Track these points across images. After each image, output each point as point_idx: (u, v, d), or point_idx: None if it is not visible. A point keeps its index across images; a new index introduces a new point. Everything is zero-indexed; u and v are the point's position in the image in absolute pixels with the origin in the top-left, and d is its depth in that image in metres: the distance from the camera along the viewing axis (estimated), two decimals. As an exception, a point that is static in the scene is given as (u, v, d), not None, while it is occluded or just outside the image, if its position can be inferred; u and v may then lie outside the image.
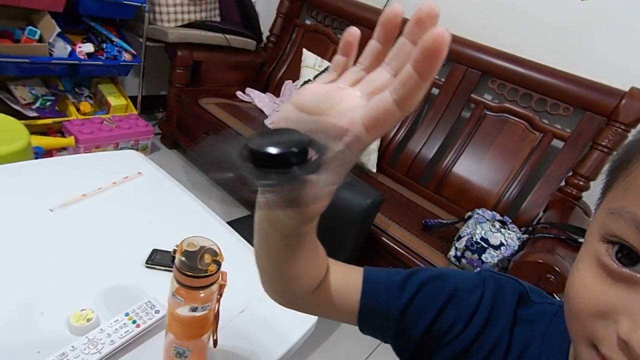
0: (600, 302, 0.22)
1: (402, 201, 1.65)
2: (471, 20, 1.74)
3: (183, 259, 0.46)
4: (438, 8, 0.21)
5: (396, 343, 0.37)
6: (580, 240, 1.16)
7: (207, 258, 0.47)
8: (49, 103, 1.87)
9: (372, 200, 1.14)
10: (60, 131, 1.84)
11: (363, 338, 0.41)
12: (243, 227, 0.88)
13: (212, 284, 0.48)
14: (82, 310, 0.57)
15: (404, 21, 0.22)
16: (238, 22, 2.28)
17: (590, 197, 1.52)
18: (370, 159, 1.73)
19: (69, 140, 1.71)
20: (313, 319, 0.71)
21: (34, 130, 1.70)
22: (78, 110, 1.93)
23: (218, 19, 2.23)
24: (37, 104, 1.82)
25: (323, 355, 1.35)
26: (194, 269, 0.45)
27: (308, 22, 2.23)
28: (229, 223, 0.89)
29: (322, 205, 0.25)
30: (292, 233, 0.29)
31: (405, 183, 1.78)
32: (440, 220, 1.40)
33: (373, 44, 0.24)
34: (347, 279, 0.37)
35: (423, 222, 1.42)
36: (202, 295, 0.47)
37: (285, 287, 0.36)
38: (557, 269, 1.00)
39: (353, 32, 0.25)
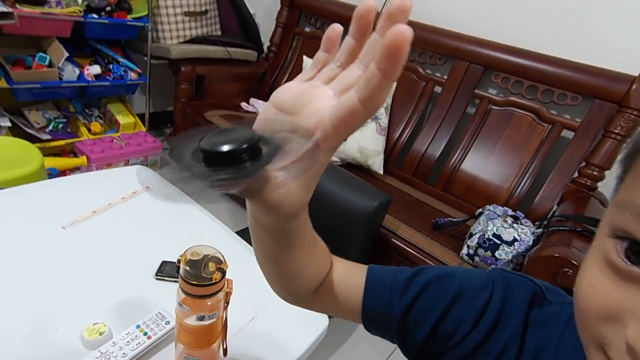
0: (607, 303, 0.21)
1: (410, 201, 1.64)
2: (470, 14, 1.73)
3: (187, 268, 0.46)
4: (410, 2, 0.20)
5: (402, 344, 0.36)
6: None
7: (212, 266, 0.47)
8: (61, 125, 1.92)
9: (379, 202, 1.13)
10: (73, 151, 1.89)
11: (379, 342, 0.40)
12: (249, 236, 0.89)
13: (217, 292, 0.48)
14: (95, 324, 0.58)
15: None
16: (238, 35, 2.32)
17: (607, 186, 1.49)
18: (376, 161, 1.72)
19: (82, 160, 1.76)
20: (323, 325, 0.71)
21: (48, 152, 1.75)
22: (89, 130, 1.98)
23: (219, 32, 2.27)
24: (50, 127, 1.88)
25: (339, 359, 1.34)
26: (199, 278, 0.46)
27: (307, 29, 2.26)
28: (238, 233, 0.90)
29: (295, 202, 0.25)
30: (278, 231, 0.28)
31: (413, 183, 1.77)
32: (450, 219, 1.38)
33: (348, 40, 0.24)
34: (350, 277, 0.36)
35: (433, 221, 1.40)
36: (208, 303, 0.48)
37: (286, 285, 0.35)
38: (574, 262, 0.97)
39: (335, 29, 0.25)
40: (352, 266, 0.37)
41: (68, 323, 0.59)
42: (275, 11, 2.31)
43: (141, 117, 2.17)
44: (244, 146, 0.19)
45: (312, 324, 0.70)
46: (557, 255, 0.98)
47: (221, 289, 0.48)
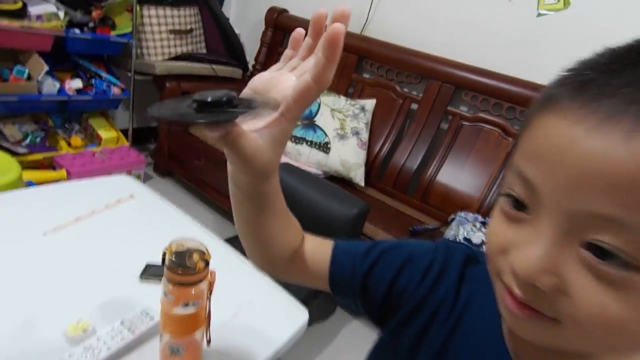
0: (501, 241, 0.27)
1: (390, 212, 1.69)
2: (443, 38, 1.86)
3: (173, 258, 0.49)
4: (349, 10, 0.27)
5: (365, 306, 0.41)
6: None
7: (196, 257, 0.50)
8: (38, 139, 1.91)
9: (358, 210, 1.18)
10: (51, 166, 1.87)
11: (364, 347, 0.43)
12: (236, 243, 0.91)
13: (201, 281, 0.51)
14: (78, 321, 0.60)
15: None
16: (223, 53, 2.38)
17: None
18: (358, 174, 1.78)
19: (61, 174, 1.74)
20: (303, 319, 0.73)
21: (25, 166, 1.73)
22: (69, 144, 1.97)
23: (204, 50, 2.33)
24: (27, 141, 1.86)
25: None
26: (184, 267, 0.49)
27: (290, 49, 2.34)
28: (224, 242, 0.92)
29: (265, 159, 0.31)
30: (253, 193, 0.34)
31: (393, 194, 1.83)
32: (425, 226, 1.44)
33: (307, 40, 0.31)
34: (320, 249, 0.42)
35: (410, 228, 1.46)
36: (192, 292, 0.50)
37: (263, 252, 0.40)
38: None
39: (299, 31, 0.32)
40: (321, 241, 0.43)
41: (51, 322, 0.60)
42: (260, 31, 2.39)
43: (124, 132, 2.17)
44: (224, 99, 0.26)
45: (292, 319, 0.72)
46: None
47: (205, 278, 0.51)
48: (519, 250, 0.25)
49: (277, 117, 0.29)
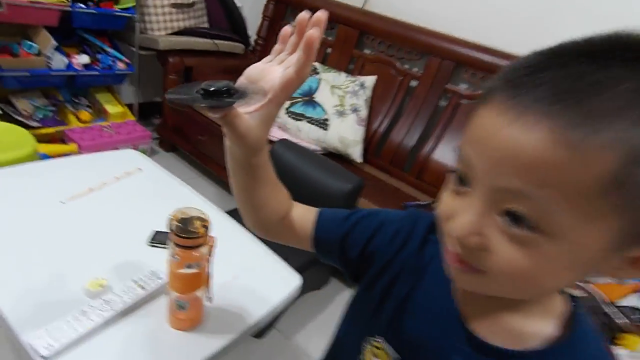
0: (446, 210, 0.33)
1: (386, 188, 1.75)
2: (445, 14, 1.85)
3: (178, 224, 0.56)
4: (326, 15, 0.33)
5: (343, 265, 0.48)
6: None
7: (197, 223, 0.57)
8: (49, 113, 1.97)
9: (352, 185, 1.24)
10: (62, 139, 1.94)
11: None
12: (236, 215, 0.98)
13: (202, 245, 0.58)
14: (96, 278, 0.68)
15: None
16: (226, 28, 2.39)
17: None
18: (356, 150, 1.83)
19: (72, 147, 1.82)
20: (296, 282, 0.81)
21: (38, 139, 1.80)
22: (78, 119, 2.04)
23: (206, 25, 2.34)
24: (39, 115, 1.93)
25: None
26: (187, 232, 0.56)
27: (293, 23, 2.34)
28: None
29: (256, 135, 0.37)
30: (247, 163, 0.41)
31: (390, 171, 1.88)
32: (418, 202, 1.51)
33: (292, 38, 0.37)
34: (306, 215, 0.48)
35: (402, 204, 1.52)
36: (195, 254, 0.58)
37: (256, 216, 0.47)
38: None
39: (286, 29, 0.38)
40: (307, 208, 0.49)
41: (72, 278, 0.68)
42: (261, 5, 2.39)
43: (130, 107, 2.22)
44: (224, 88, 0.33)
45: (286, 283, 0.80)
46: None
47: (205, 242, 0.58)
48: (456, 217, 0.31)
49: (265, 103, 0.36)
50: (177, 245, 0.56)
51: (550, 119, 0.25)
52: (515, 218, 0.28)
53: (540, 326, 0.35)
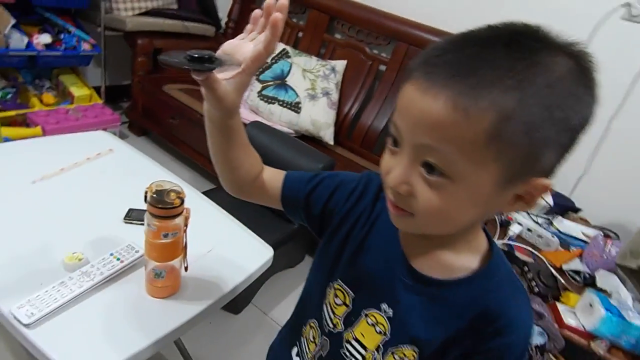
0: (385, 167, 0.40)
1: (356, 169, 1.82)
2: (413, 1, 1.90)
3: (154, 195, 0.60)
4: (287, 2, 0.39)
5: (307, 220, 0.54)
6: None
7: (173, 195, 0.61)
8: (9, 95, 1.89)
9: (323, 165, 1.30)
10: (25, 123, 1.87)
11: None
12: (211, 195, 1.02)
13: (178, 215, 0.62)
14: (74, 253, 0.70)
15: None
16: (195, 9, 2.34)
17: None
18: (327, 133, 1.88)
19: (36, 130, 1.76)
20: (268, 254, 0.86)
21: (-1, 123, 1.74)
22: (41, 101, 1.97)
23: (175, 6, 2.29)
24: (-1, 97, 1.85)
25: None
26: (163, 202, 0.59)
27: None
28: (197, 191, 1.02)
29: (231, 99, 0.43)
30: (223, 125, 0.46)
31: (361, 153, 1.95)
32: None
33: (261, 20, 0.42)
34: (275, 176, 0.54)
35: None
36: (171, 223, 0.61)
37: (231, 176, 0.52)
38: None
39: (257, 12, 0.43)
40: (277, 170, 0.55)
41: (50, 255, 0.70)
42: (231, -14, 2.35)
43: (97, 90, 2.16)
44: (207, 56, 0.39)
45: (259, 254, 0.85)
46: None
47: (181, 213, 0.62)
48: (391, 171, 0.38)
49: (240, 71, 0.42)
50: (153, 215, 0.60)
51: (449, 90, 0.33)
52: (430, 167, 0.36)
53: (467, 260, 0.43)
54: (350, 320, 0.48)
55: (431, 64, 0.35)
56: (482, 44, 0.34)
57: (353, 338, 0.48)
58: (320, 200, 0.52)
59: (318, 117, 1.86)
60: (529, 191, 0.37)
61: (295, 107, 1.85)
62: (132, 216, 0.84)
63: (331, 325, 0.50)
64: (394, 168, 0.38)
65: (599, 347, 1.05)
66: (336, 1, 2.02)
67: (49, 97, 1.99)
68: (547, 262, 1.33)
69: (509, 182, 0.36)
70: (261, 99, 1.87)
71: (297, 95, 1.87)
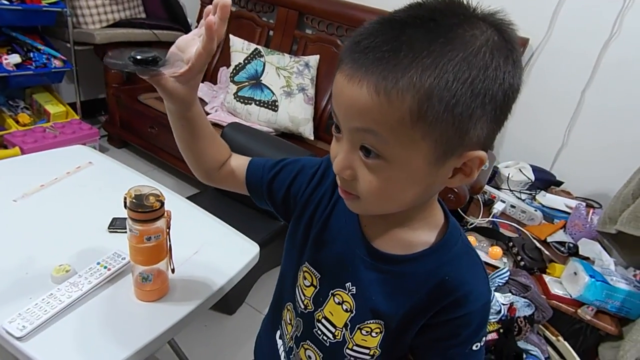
0: (332, 153, 0.42)
1: (339, 161, 1.85)
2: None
3: (133, 200, 0.61)
4: (229, 1, 0.40)
5: (272, 206, 0.56)
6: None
7: (152, 198, 0.63)
8: (-17, 119, 1.87)
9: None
10: (2, 145, 1.85)
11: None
12: (195, 200, 1.04)
13: (159, 218, 0.63)
14: (60, 265, 0.72)
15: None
16: (163, 17, 2.34)
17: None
18: (307, 129, 1.90)
19: (15, 151, 1.75)
20: (254, 251, 0.88)
21: (-25, 147, 1.72)
22: (17, 122, 1.94)
23: (143, 15, 2.27)
24: (-28, 121, 1.82)
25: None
26: (142, 206, 0.61)
27: (233, 8, 2.33)
28: (179, 195, 1.04)
29: (181, 94, 0.45)
30: (182, 116, 0.48)
31: (342, 146, 1.98)
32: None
33: (211, 16, 0.43)
34: (241, 163, 0.56)
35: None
36: (152, 227, 0.63)
37: (198, 164, 0.54)
38: (455, 189, 1.24)
39: (209, 8, 0.43)
40: (244, 157, 0.57)
41: (37, 269, 0.71)
42: (199, -9, 2.35)
43: (72, 106, 2.14)
44: (150, 58, 0.41)
45: (245, 252, 0.87)
46: (443, 185, 1.24)
47: (162, 216, 0.64)
48: (336, 157, 0.40)
49: (186, 69, 0.43)
50: (134, 220, 0.62)
51: (372, 75, 0.34)
52: (367, 150, 0.37)
53: (424, 236, 0.45)
54: (319, 300, 0.50)
55: (356, 50, 0.35)
56: (402, 26, 0.34)
57: (323, 317, 0.50)
58: (282, 186, 0.53)
59: (296, 113, 1.88)
60: (466, 164, 0.38)
61: (272, 106, 1.87)
62: (116, 225, 0.86)
63: (302, 306, 0.52)
64: (338, 154, 0.39)
65: (585, 313, 1.10)
66: (304, -3, 2.03)
67: (24, 117, 1.97)
68: (531, 236, 1.38)
69: (442, 158, 0.37)
70: (238, 100, 1.88)
71: (273, 94, 1.88)
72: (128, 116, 2.15)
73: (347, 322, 0.48)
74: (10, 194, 0.89)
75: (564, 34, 1.63)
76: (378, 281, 0.45)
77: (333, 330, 0.49)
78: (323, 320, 0.50)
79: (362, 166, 0.38)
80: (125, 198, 0.62)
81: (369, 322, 0.47)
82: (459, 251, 0.45)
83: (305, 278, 0.52)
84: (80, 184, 0.98)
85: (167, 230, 0.67)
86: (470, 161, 0.38)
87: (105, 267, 0.73)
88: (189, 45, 0.44)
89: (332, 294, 0.49)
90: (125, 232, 0.70)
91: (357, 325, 0.47)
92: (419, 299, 0.44)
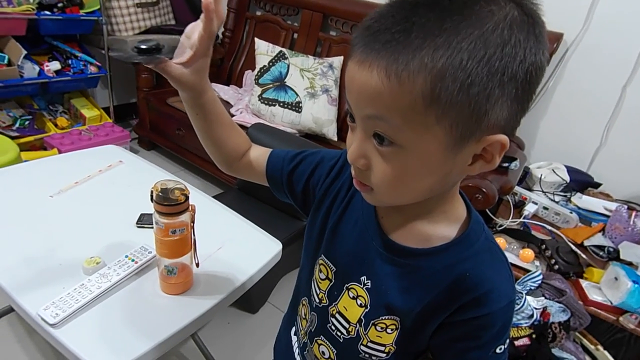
0: (348, 143, 0.40)
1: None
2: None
3: (160, 194, 0.63)
4: (212, 5, 0.41)
5: (292, 197, 0.56)
6: (505, 164, 1.37)
7: (177, 192, 0.64)
8: (27, 122, 1.99)
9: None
10: (43, 147, 1.96)
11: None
12: (220, 199, 1.05)
13: (184, 211, 0.65)
14: (91, 257, 0.74)
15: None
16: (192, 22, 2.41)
17: (524, 131, 1.73)
18: (330, 129, 1.90)
19: (53, 152, 1.85)
20: (277, 249, 0.89)
21: (19, 149, 1.83)
22: (56, 125, 2.06)
23: (173, 22, 2.36)
24: (17, 125, 1.94)
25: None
26: (168, 200, 0.62)
27: (258, 13, 2.37)
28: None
29: (190, 80, 0.46)
30: (194, 103, 0.49)
31: (366, 147, 1.96)
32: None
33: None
34: (261, 154, 0.56)
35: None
36: (177, 220, 0.64)
37: (217, 152, 0.54)
38: (483, 189, 1.20)
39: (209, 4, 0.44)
40: (264, 149, 0.57)
41: (70, 261, 0.75)
42: (226, -3, 2.41)
43: (106, 110, 2.25)
44: (153, 46, 0.42)
45: (267, 248, 0.88)
46: (470, 185, 1.20)
47: (186, 209, 0.65)
48: (350, 147, 0.39)
49: (191, 55, 0.44)
50: (160, 213, 0.63)
51: (382, 58, 0.32)
52: (380, 138, 0.36)
53: (444, 230, 0.43)
54: (333, 294, 0.49)
55: (366, 34, 0.34)
56: (414, 5, 0.32)
57: (337, 312, 0.49)
58: (301, 178, 0.53)
59: (319, 114, 1.88)
60: (486, 149, 0.36)
61: (296, 107, 1.88)
62: (144, 220, 0.88)
63: (317, 300, 0.51)
64: (352, 144, 0.38)
65: (628, 322, 1.02)
66: (328, -1, 2.04)
67: (62, 120, 2.08)
68: (566, 239, 1.31)
69: (459, 143, 0.34)
70: (262, 102, 1.90)
71: (297, 95, 1.89)
72: (157, 119, 2.22)
73: (362, 317, 0.46)
74: (47, 190, 0.93)
75: (602, 27, 1.55)
76: (394, 275, 0.44)
77: (347, 325, 0.48)
78: (337, 315, 0.49)
79: (377, 155, 0.37)
80: (152, 191, 0.63)
81: (383, 318, 0.45)
82: (481, 247, 0.42)
83: (320, 271, 0.51)
84: (111, 181, 1.02)
85: (192, 224, 0.68)
86: (490, 146, 0.35)
87: (133, 260, 0.75)
88: (194, 31, 0.44)
89: (346, 287, 0.48)
90: (152, 227, 0.72)
91: (372, 321, 0.46)
92: (436, 296, 0.42)
